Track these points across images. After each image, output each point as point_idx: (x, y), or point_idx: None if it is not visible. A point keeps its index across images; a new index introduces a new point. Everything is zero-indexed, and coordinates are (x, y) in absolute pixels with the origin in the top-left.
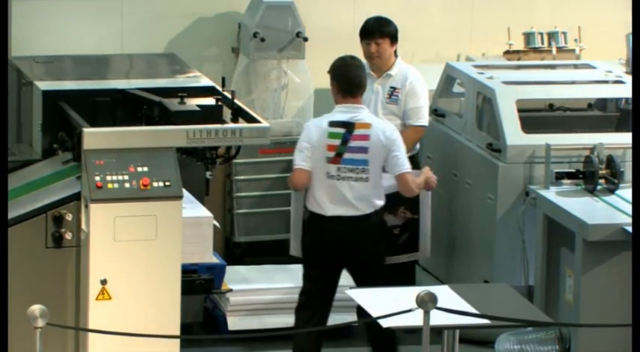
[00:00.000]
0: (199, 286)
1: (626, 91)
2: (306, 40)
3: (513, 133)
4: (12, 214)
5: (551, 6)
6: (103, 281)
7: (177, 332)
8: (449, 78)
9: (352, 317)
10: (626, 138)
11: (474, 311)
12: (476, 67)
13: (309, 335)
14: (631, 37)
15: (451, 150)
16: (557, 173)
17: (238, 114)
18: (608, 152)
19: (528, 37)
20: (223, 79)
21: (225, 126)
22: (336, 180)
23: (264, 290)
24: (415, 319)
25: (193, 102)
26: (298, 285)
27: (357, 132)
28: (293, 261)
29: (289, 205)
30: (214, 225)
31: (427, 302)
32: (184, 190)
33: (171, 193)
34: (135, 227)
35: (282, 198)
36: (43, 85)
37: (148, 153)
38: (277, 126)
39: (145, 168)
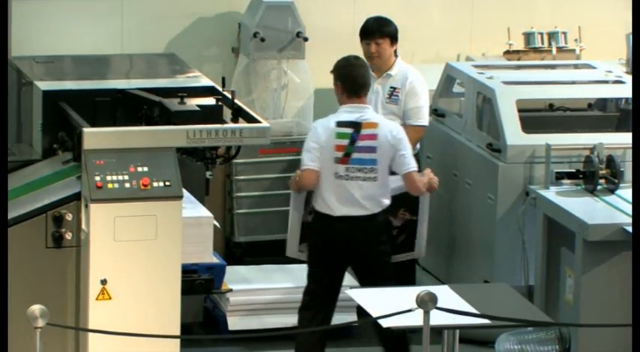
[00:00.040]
0: (199, 286)
1: (626, 91)
2: (306, 40)
3: (513, 133)
4: (12, 214)
5: (551, 6)
6: (103, 281)
7: (177, 332)
8: (449, 78)
9: (352, 317)
10: (626, 138)
11: (474, 311)
12: (476, 67)
13: (313, 335)
14: (631, 37)
15: (451, 150)
16: (557, 173)
17: (238, 114)
18: (608, 152)
19: (528, 37)
20: (223, 79)
21: (225, 126)
22: (344, 180)
23: (264, 290)
24: (415, 319)
25: (193, 102)
26: (298, 285)
27: (365, 131)
28: (293, 260)
29: (289, 205)
30: (214, 225)
31: (427, 302)
32: (184, 190)
33: (171, 193)
34: (135, 227)
35: (282, 198)
36: (43, 85)
37: (148, 153)
38: (277, 126)
39: (145, 168)
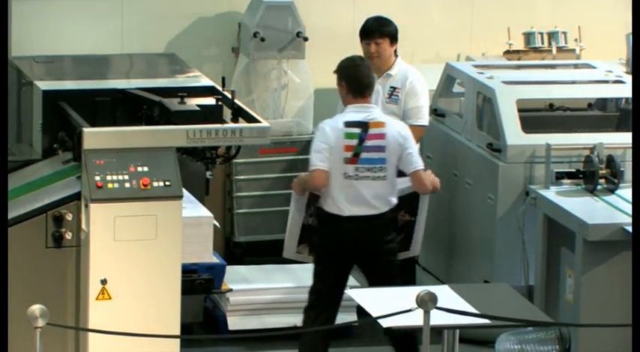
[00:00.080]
0: (199, 286)
1: (626, 91)
2: (306, 39)
3: (513, 133)
4: (12, 214)
5: (551, 6)
6: (103, 281)
7: (178, 332)
8: (449, 78)
9: (352, 317)
10: (626, 138)
11: (474, 311)
12: (476, 66)
13: (316, 334)
14: (631, 37)
15: (451, 150)
16: (557, 173)
17: (238, 114)
18: (608, 152)
19: (528, 37)
20: (223, 79)
21: (225, 126)
22: (353, 180)
23: (264, 290)
24: (415, 319)
25: (193, 102)
26: (298, 285)
27: (372, 131)
28: (293, 260)
29: (289, 205)
30: (214, 225)
31: (427, 302)
32: (184, 190)
33: (171, 193)
34: (135, 227)
35: (282, 198)
36: (43, 85)
37: (148, 153)
38: (277, 126)
39: (145, 168)
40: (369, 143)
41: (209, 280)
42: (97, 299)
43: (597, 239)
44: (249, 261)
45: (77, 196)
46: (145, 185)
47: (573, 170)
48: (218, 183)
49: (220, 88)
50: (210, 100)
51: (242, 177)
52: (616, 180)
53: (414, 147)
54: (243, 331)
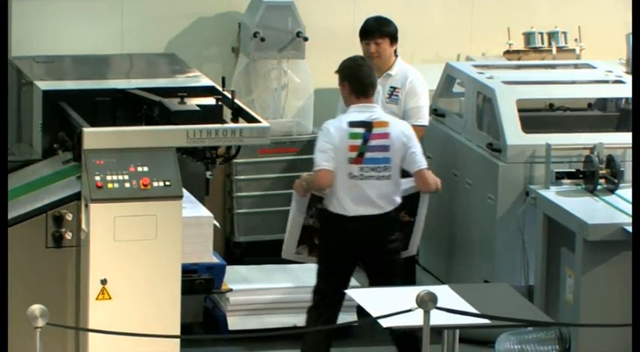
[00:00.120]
0: (199, 286)
1: (626, 91)
2: (306, 39)
3: (513, 133)
4: (12, 214)
5: (551, 6)
6: (103, 281)
7: (178, 332)
8: (449, 78)
9: (352, 317)
10: (626, 138)
11: (474, 311)
12: (476, 66)
13: (319, 333)
14: (631, 37)
15: (451, 150)
16: (557, 173)
17: (238, 114)
18: (608, 152)
19: (528, 36)
20: (223, 78)
21: (225, 126)
22: (358, 180)
23: (264, 290)
24: (415, 319)
25: (193, 102)
26: (298, 285)
27: (376, 130)
28: (293, 261)
29: (289, 205)
30: (214, 225)
31: (427, 302)
32: (184, 190)
33: (171, 193)
34: (135, 227)
35: (282, 198)
36: (43, 85)
37: (148, 153)
38: (277, 126)
39: (145, 168)
40: (373, 143)
41: (209, 280)
42: (97, 299)
43: (597, 239)
44: (249, 261)
45: (77, 196)
46: (145, 185)
47: (573, 170)
48: (218, 183)
49: (220, 88)
50: (210, 100)
51: (242, 177)
52: (616, 180)
53: (417, 147)
54: (243, 331)
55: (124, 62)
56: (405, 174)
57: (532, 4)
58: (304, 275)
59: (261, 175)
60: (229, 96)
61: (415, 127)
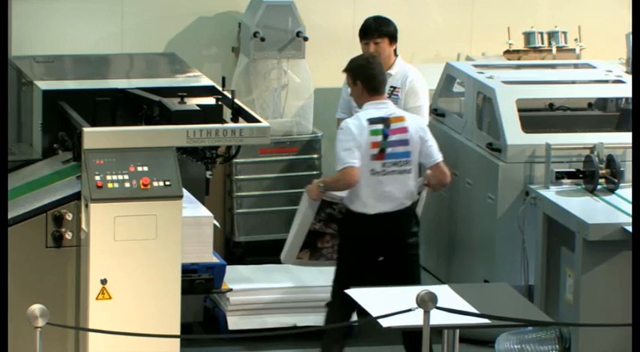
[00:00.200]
0: (199, 286)
1: (626, 91)
2: (306, 39)
3: (513, 133)
4: (12, 214)
5: (551, 6)
6: (103, 281)
7: (177, 332)
8: (449, 77)
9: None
10: (626, 137)
11: (474, 310)
12: (476, 66)
13: (339, 330)
14: (631, 37)
15: (451, 149)
16: (557, 173)
17: (238, 113)
18: (608, 152)
19: (528, 36)
20: (223, 78)
21: (225, 125)
22: (381, 176)
23: (264, 290)
24: (415, 319)
25: (193, 102)
26: (298, 285)
27: (394, 125)
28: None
29: (289, 205)
30: (214, 225)
31: (427, 302)
32: (184, 190)
33: (171, 193)
34: (135, 227)
35: (282, 198)
36: (43, 85)
37: (148, 152)
38: (277, 126)
39: (145, 168)
40: (393, 138)
41: (209, 280)
42: (97, 299)
43: (597, 239)
44: (249, 261)
45: (77, 196)
46: (144, 185)
47: (573, 170)
48: (218, 183)
49: (220, 88)
50: (210, 100)
51: (242, 177)
52: (616, 180)
53: (433, 140)
54: (243, 331)
55: (124, 62)
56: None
57: (532, 4)
58: (304, 275)
59: (261, 175)
60: (229, 96)
61: None
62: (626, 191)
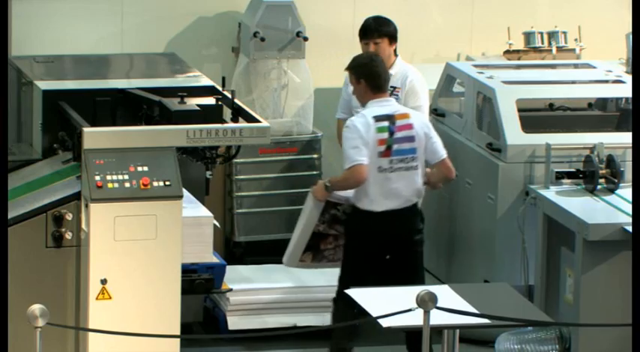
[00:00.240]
0: (199, 286)
1: (626, 91)
2: (306, 39)
3: (513, 133)
4: (12, 214)
5: (551, 6)
6: (103, 281)
7: (177, 332)
8: (449, 77)
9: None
10: (626, 137)
11: (474, 310)
12: (476, 66)
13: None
14: (631, 37)
15: (451, 149)
16: (557, 173)
17: (238, 113)
18: (608, 152)
19: (528, 36)
20: (223, 78)
21: (225, 125)
22: (388, 173)
23: (264, 290)
24: (415, 319)
25: (193, 102)
26: (298, 285)
27: (400, 122)
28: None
29: (289, 205)
30: (214, 225)
31: (427, 302)
32: (184, 190)
33: (171, 193)
34: (135, 227)
35: (282, 198)
36: (43, 85)
37: (148, 152)
38: (277, 126)
39: (145, 168)
40: (399, 134)
41: (209, 280)
42: (97, 299)
43: (597, 239)
44: (249, 261)
45: (77, 196)
46: (144, 185)
47: (573, 170)
48: (218, 183)
49: (220, 88)
50: (210, 100)
51: (242, 177)
52: (616, 180)
53: (437, 136)
54: (243, 331)
55: (124, 62)
56: None
57: (532, 4)
58: (304, 275)
59: (261, 175)
60: (229, 96)
61: None
62: (626, 191)
